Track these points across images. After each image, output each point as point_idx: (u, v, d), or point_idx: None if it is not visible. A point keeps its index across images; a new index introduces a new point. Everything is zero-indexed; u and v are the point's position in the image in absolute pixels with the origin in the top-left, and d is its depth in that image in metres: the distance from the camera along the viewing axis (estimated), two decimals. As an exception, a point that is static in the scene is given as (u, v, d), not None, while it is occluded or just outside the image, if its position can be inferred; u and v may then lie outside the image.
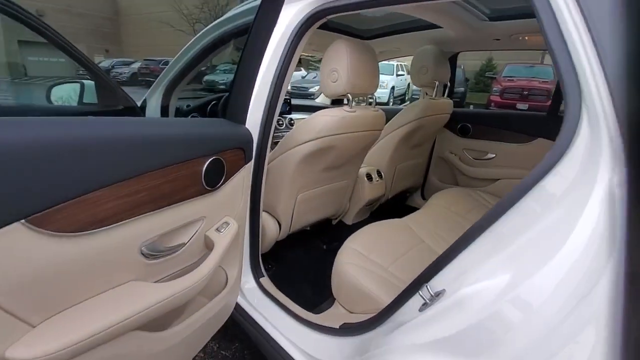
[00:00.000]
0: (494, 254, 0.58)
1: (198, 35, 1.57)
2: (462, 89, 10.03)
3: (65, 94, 1.53)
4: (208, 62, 1.77)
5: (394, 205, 2.14)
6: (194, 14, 19.85)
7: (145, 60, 16.98)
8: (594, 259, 0.45)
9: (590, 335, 0.45)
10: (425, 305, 0.67)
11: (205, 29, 1.54)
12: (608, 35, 0.48)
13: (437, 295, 0.65)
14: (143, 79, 14.72)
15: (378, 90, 9.18)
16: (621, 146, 0.46)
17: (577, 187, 0.50)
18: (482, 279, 0.57)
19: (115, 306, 0.66)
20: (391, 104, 10.96)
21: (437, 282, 0.67)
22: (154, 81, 1.77)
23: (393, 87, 11.23)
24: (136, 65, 16.58)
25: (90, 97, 1.48)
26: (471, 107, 9.95)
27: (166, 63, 1.75)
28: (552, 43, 0.54)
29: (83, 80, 1.49)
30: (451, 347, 0.59)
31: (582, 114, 0.51)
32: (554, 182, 0.53)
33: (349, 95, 1.17)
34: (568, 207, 0.50)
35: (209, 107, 2.01)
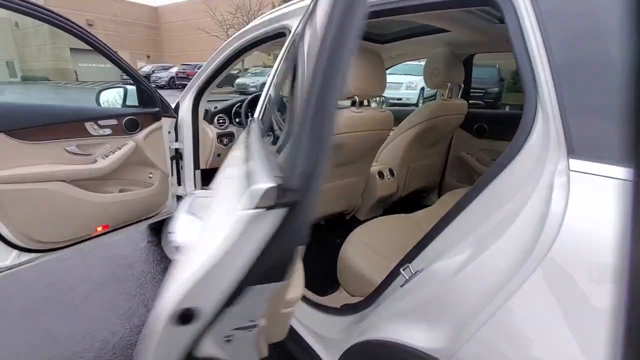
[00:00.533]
0: (464, 236, 0.66)
1: (227, 41, 1.72)
2: (496, 89, 9.58)
3: (111, 97, 1.74)
4: (240, 66, 1.91)
5: (410, 204, 2.19)
6: (228, 20, 20.60)
7: (182, 65, 17.98)
8: (533, 233, 0.53)
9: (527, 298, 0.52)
10: (406, 282, 0.76)
11: (235, 35, 1.67)
12: (559, 46, 0.57)
13: (416, 273, 0.74)
14: (180, 82, 15.63)
15: (407, 91, 8.83)
16: (563, 139, 0.54)
17: (534, 173, 0.58)
18: (447, 257, 0.66)
19: None
20: (421, 104, 10.74)
21: (417, 262, 0.76)
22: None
23: (423, 88, 10.98)
24: (174, 70, 17.61)
25: (132, 100, 1.68)
26: (507, 108, 9.49)
27: (201, 67, 1.91)
28: (516, 51, 0.63)
29: (126, 85, 1.70)
30: (420, 312, 0.68)
31: (538, 111, 0.59)
32: (517, 169, 0.61)
33: (355, 97, 1.27)
34: (526, 190, 0.58)
35: (234, 108, 2.18)
